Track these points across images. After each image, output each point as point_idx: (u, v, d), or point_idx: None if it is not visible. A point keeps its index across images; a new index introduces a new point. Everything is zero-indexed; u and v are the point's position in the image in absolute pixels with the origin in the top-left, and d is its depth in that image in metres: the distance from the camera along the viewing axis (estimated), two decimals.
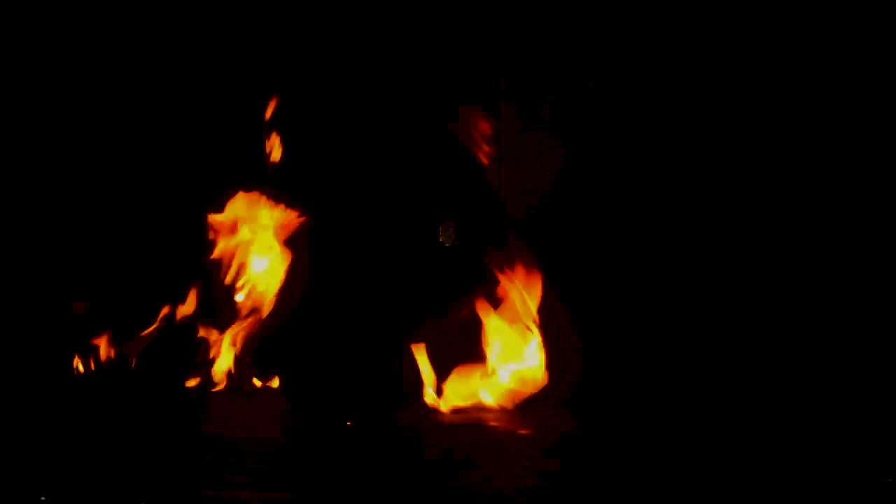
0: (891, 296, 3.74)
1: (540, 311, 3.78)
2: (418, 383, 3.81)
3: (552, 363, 3.77)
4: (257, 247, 4.20)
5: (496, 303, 3.82)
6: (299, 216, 4.15)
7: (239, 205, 4.19)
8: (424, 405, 3.79)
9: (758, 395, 3.70)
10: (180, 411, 3.74)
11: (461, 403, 3.78)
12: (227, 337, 4.12)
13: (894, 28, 3.77)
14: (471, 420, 3.60)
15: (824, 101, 3.82)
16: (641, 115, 3.92)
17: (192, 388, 4.14)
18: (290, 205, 4.15)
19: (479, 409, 3.80)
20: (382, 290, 4.10)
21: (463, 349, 3.83)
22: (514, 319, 3.78)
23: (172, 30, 4.13)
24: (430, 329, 3.86)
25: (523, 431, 3.38)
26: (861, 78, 3.79)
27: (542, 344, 3.75)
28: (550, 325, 3.78)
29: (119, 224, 4.19)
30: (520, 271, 3.81)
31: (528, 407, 3.76)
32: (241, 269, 4.21)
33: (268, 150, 4.20)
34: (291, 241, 4.20)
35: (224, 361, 4.11)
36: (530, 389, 3.76)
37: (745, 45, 3.87)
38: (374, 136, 4.16)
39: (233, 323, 4.17)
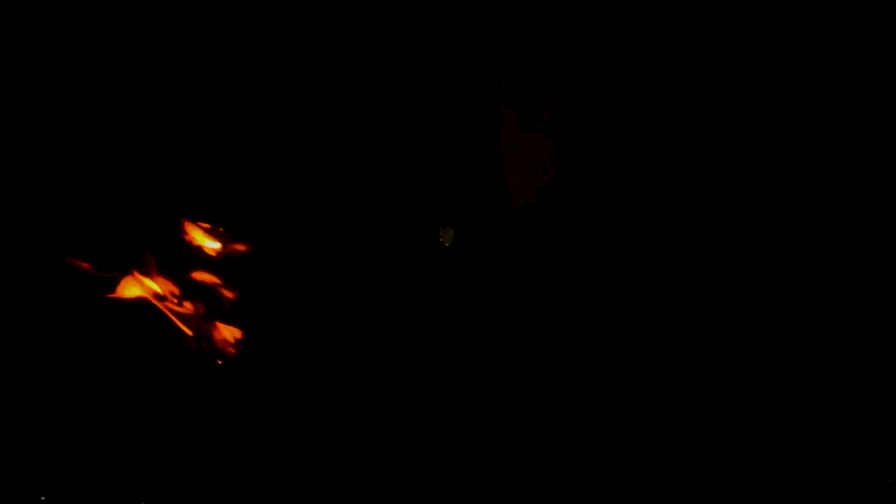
0: (891, 296, 3.74)
1: None
2: None
3: None
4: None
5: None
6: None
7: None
8: None
9: (758, 395, 3.69)
10: None
11: None
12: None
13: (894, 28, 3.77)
14: None
15: (824, 101, 3.82)
16: (641, 116, 3.91)
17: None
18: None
19: None
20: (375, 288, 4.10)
21: None
22: None
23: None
24: None
25: None
26: (861, 78, 3.79)
27: None
28: None
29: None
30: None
31: None
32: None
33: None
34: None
35: None
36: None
37: (745, 45, 3.87)
38: (372, 137, 4.16)
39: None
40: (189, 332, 4.17)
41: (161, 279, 4.26)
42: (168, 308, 4.23)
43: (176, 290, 4.27)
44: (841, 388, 3.66)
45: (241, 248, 4.32)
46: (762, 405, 3.66)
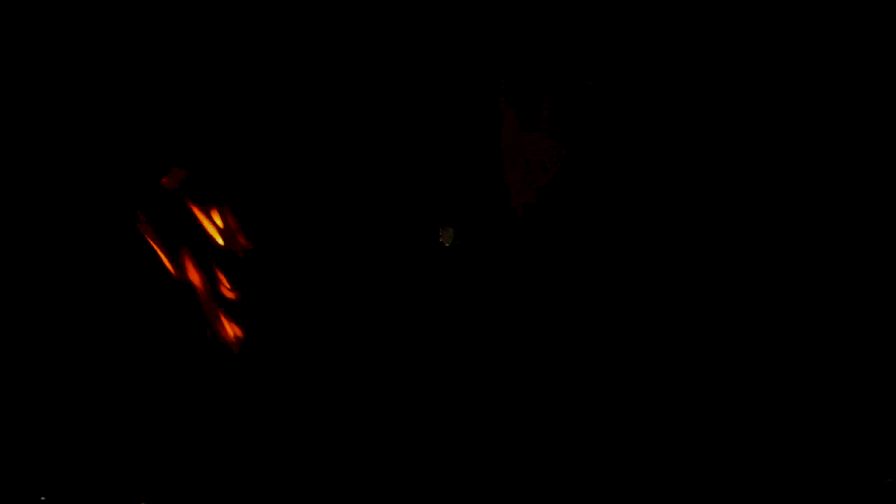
0: (891, 296, 3.74)
1: None
2: None
3: None
4: None
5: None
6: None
7: None
8: None
9: (758, 395, 3.69)
10: None
11: None
12: None
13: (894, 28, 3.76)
14: None
15: (824, 101, 3.81)
16: (641, 116, 3.91)
17: None
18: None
19: None
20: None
21: None
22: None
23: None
24: None
25: None
26: (861, 78, 3.79)
27: None
28: None
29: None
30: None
31: None
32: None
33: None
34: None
35: None
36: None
37: (745, 45, 3.86)
38: (372, 137, 4.15)
39: None
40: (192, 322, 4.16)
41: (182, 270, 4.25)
42: (171, 304, 4.22)
43: (178, 288, 4.27)
44: (841, 388, 3.66)
45: (241, 246, 4.32)
46: (762, 405, 3.65)
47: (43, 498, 2.13)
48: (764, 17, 3.88)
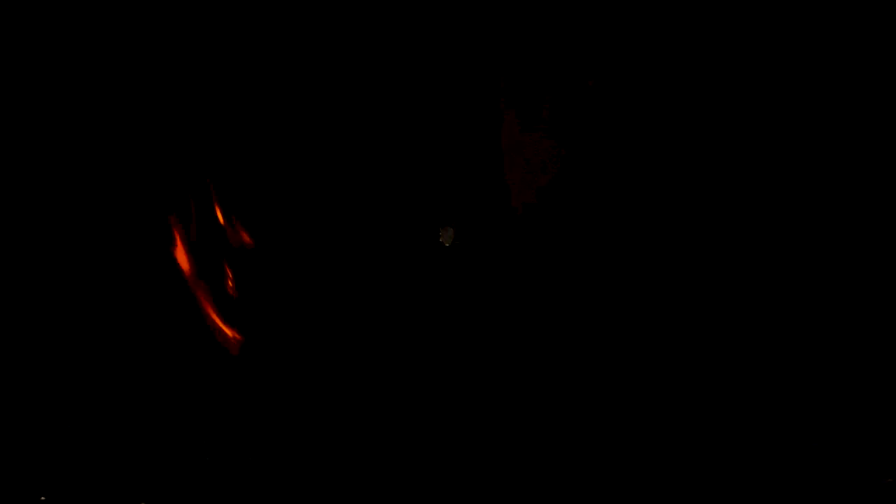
0: (891, 296, 3.74)
1: None
2: None
3: None
4: None
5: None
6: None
7: None
8: None
9: (758, 394, 3.69)
10: None
11: None
12: None
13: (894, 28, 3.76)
14: None
15: (825, 101, 3.81)
16: (641, 116, 3.91)
17: None
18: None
19: None
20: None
21: None
22: None
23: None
24: None
25: None
26: (861, 78, 3.79)
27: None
28: None
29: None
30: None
31: None
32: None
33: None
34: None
35: None
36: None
37: (745, 45, 3.86)
38: (372, 137, 4.15)
39: None
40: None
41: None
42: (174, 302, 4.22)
43: (179, 285, 4.27)
44: (841, 388, 3.66)
45: (240, 245, 4.32)
46: (762, 405, 3.65)
47: (43, 498, 2.13)
48: (764, 16, 3.88)
